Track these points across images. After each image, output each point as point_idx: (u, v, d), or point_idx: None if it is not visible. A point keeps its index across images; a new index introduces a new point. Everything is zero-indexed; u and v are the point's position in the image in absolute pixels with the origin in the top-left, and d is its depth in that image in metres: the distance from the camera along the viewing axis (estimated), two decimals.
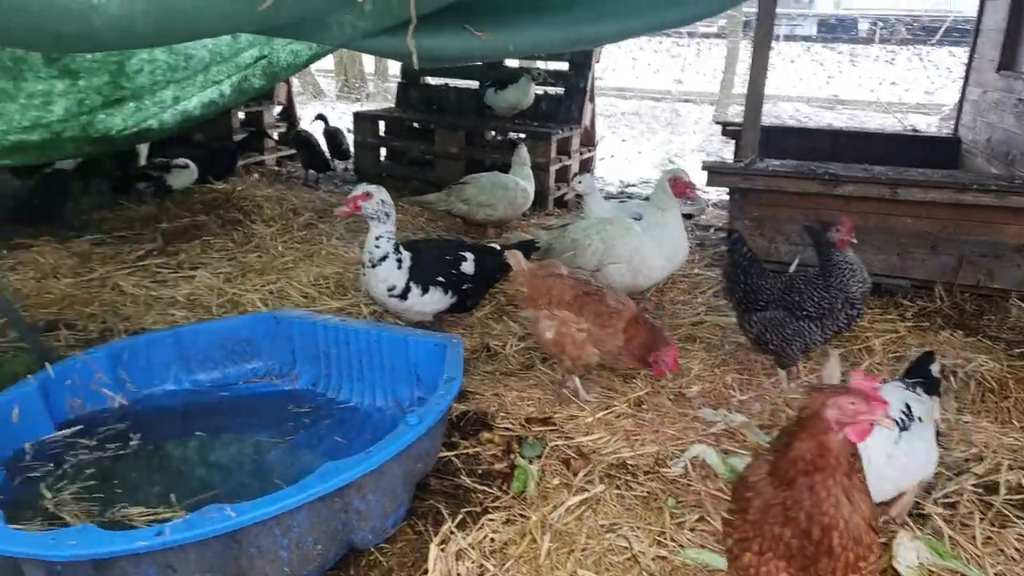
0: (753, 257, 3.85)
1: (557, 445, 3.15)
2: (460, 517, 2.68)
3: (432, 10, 2.20)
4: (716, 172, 5.18)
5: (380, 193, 3.78)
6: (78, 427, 3.05)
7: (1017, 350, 4.00)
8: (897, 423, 2.45)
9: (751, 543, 1.89)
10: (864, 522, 1.81)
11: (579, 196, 5.50)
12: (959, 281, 4.77)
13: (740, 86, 19.12)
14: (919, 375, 2.87)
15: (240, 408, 3.41)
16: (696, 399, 3.57)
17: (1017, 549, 2.52)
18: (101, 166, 6.69)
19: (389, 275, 3.83)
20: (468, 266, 4.10)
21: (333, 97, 17.07)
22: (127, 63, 4.35)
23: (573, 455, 3.07)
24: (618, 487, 2.87)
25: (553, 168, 7.42)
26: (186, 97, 5.18)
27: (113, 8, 1.80)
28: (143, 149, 6.84)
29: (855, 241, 3.65)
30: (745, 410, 3.48)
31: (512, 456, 3.08)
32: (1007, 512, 2.72)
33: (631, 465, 3.04)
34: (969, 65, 6.79)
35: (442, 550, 2.49)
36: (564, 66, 8.27)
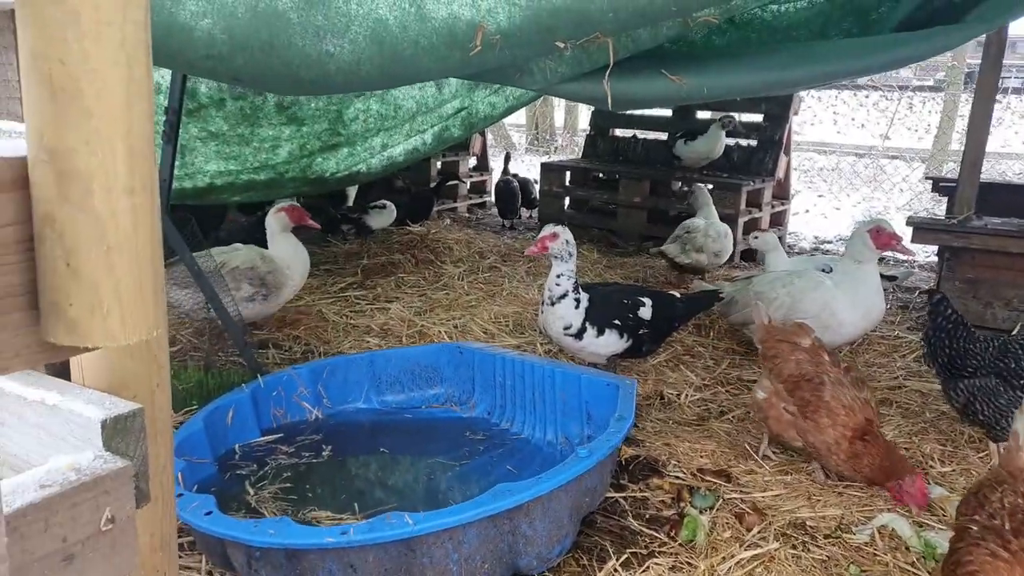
0: (959, 319, 3.53)
1: (731, 498, 3.04)
2: (625, 557, 2.66)
3: (628, 55, 2.29)
4: (924, 228, 4.84)
5: (565, 234, 3.90)
6: (279, 434, 3.37)
7: None
8: None
9: None
10: None
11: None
12: None
13: (957, 143, 17.65)
14: None
15: (421, 430, 3.61)
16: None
17: None
18: (317, 206, 7.40)
19: (566, 313, 3.91)
20: (646, 311, 4.09)
21: (523, 150, 17.76)
22: (345, 112, 4.84)
23: (748, 510, 2.94)
24: (794, 547, 2.72)
25: (742, 220, 7.26)
26: (392, 144, 5.66)
27: (345, 55, 2.05)
28: (351, 192, 7.48)
29: None
30: (947, 483, 3.18)
31: (682, 504, 3.00)
32: None
33: (810, 527, 2.87)
34: None
35: None
36: (759, 118, 8.14)
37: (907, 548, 2.71)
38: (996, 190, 6.77)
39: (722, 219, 6.61)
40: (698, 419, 3.86)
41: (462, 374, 3.78)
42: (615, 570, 2.57)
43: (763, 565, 2.63)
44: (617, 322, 4.00)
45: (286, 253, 4.53)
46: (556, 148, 17.59)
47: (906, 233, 4.89)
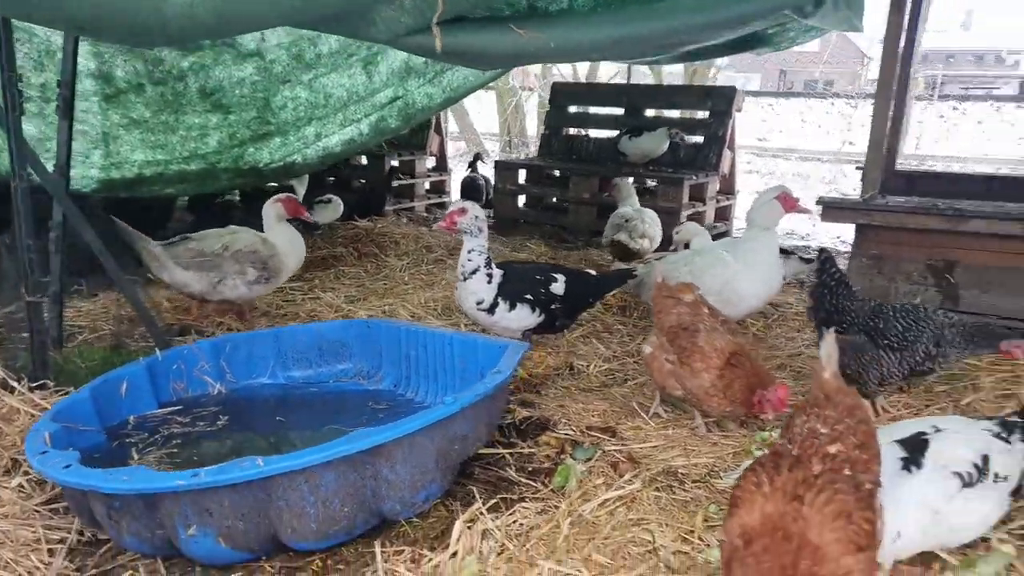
0: (842, 278, 3.71)
1: (611, 450, 3.16)
2: (494, 502, 2.77)
3: (471, 6, 2.39)
4: (832, 207, 4.99)
5: (474, 209, 4.02)
6: (178, 407, 3.45)
7: None
8: (961, 477, 2.26)
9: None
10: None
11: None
12: None
13: (912, 146, 18.02)
14: None
15: (326, 402, 3.70)
16: (770, 421, 3.43)
17: None
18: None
19: (478, 288, 4.02)
20: (558, 287, 4.22)
21: (496, 156, 17.93)
22: (272, 99, 4.97)
23: (622, 459, 3.06)
24: (659, 490, 2.84)
25: (684, 213, 7.41)
26: (327, 134, 5.78)
27: None
28: (300, 187, 7.57)
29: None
30: None
31: (563, 457, 3.12)
32: None
33: (681, 473, 2.99)
34: None
35: (468, 527, 2.58)
36: (704, 114, 8.33)
37: None
38: (920, 178, 6.98)
39: (665, 212, 6.81)
40: (601, 385, 3.98)
41: (370, 348, 3.88)
42: (480, 513, 2.67)
43: (625, 504, 2.74)
44: (529, 297, 4.12)
45: (283, 240, 4.71)
46: (527, 155, 17.75)
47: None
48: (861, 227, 4.92)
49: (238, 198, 8.04)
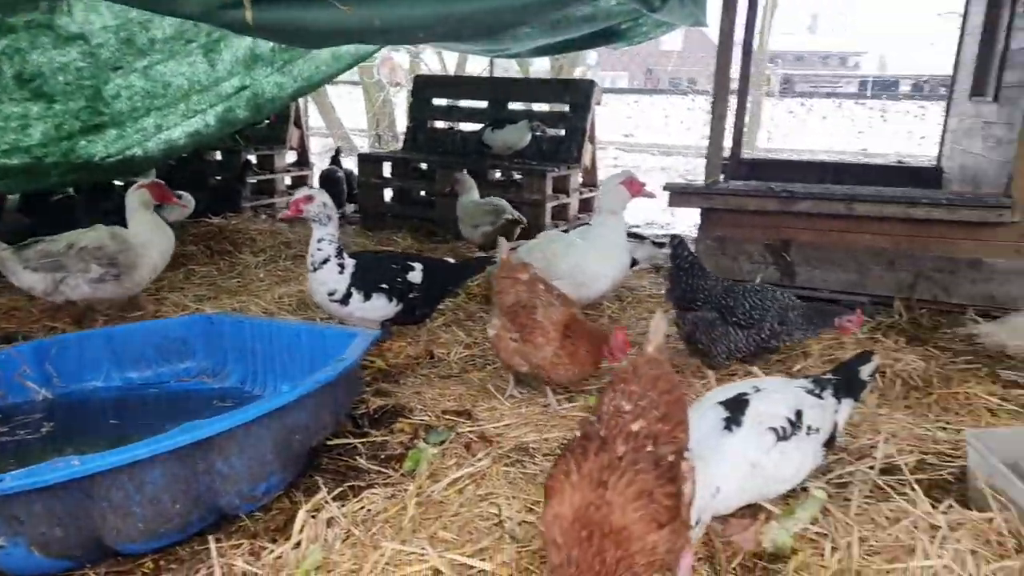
0: (695, 260, 3.90)
1: (464, 432, 3.16)
2: (341, 490, 2.71)
3: None
4: (677, 192, 5.22)
5: (322, 196, 3.92)
6: None
7: (962, 359, 3.89)
8: (776, 432, 2.40)
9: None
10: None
11: None
12: (917, 296, 4.68)
13: (765, 140, 19.22)
14: (846, 374, 2.78)
15: (167, 404, 3.51)
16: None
17: (887, 517, 2.45)
18: (111, 198, 7.00)
19: (329, 279, 3.92)
20: (416, 275, 4.17)
21: (367, 151, 17.61)
22: (103, 88, 4.64)
23: (475, 439, 3.08)
24: (509, 465, 2.87)
25: (549, 205, 7.54)
26: (169, 126, 5.47)
27: None
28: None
29: (858, 334, 3.72)
30: None
31: (416, 442, 3.09)
32: (888, 488, 2.64)
33: (533, 448, 3.03)
34: (950, 98, 6.75)
35: (312, 516, 2.51)
36: (565, 108, 8.51)
37: None
38: (763, 165, 7.44)
39: (531, 204, 6.95)
40: (461, 371, 3.99)
41: (214, 345, 3.71)
42: (325, 502, 2.61)
43: (474, 482, 2.76)
44: (385, 286, 4.05)
45: (145, 231, 4.46)
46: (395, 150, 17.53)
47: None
48: (706, 211, 5.17)
49: (73, 193, 7.46)
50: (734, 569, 2.28)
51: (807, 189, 4.93)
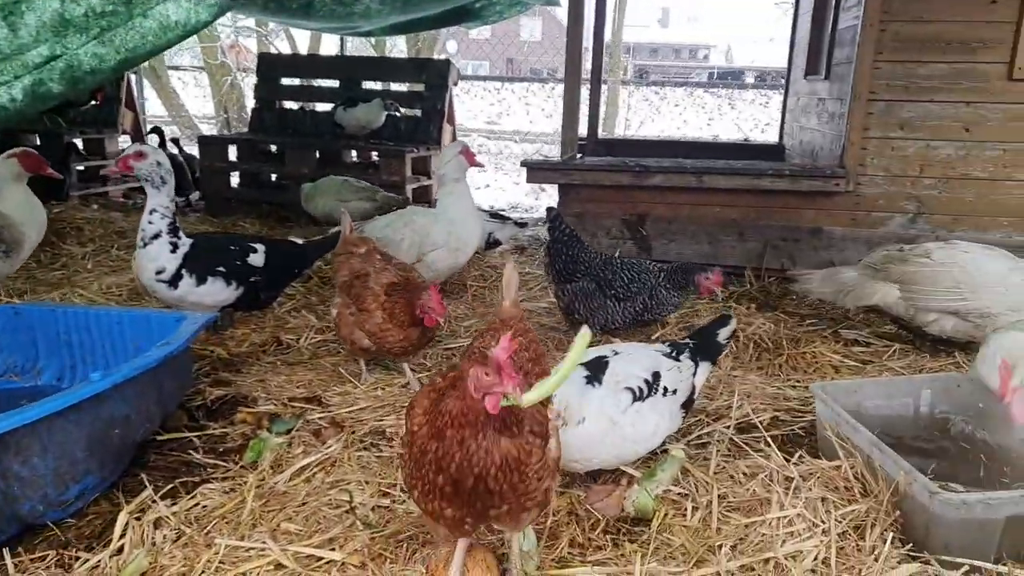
0: (572, 233, 3.88)
1: (313, 419, 2.94)
2: (171, 487, 2.43)
3: None
4: (534, 168, 5.17)
5: (156, 154, 3.54)
6: None
7: (808, 322, 4.06)
8: (633, 392, 2.36)
9: (416, 483, 1.74)
10: (526, 458, 1.68)
11: None
12: (766, 265, 4.87)
13: (623, 127, 19.82)
14: (703, 338, 2.79)
15: None
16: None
17: (745, 473, 2.49)
18: None
19: (160, 255, 3.54)
20: (257, 258, 3.86)
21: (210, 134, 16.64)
22: None
23: (325, 425, 2.87)
24: (361, 450, 2.68)
25: (410, 187, 7.34)
26: None
27: None
28: None
29: (718, 293, 3.68)
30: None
31: (259, 432, 2.84)
32: (744, 445, 2.68)
33: (389, 431, 2.86)
34: (788, 78, 7.12)
35: (136, 519, 2.23)
36: (421, 87, 8.31)
37: None
38: (620, 144, 7.57)
39: (391, 186, 6.74)
40: (312, 357, 3.73)
41: (22, 338, 3.27)
42: (152, 501, 2.33)
43: (324, 470, 2.56)
44: (222, 269, 3.72)
45: (18, 206, 4.06)
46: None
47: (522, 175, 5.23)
48: (564, 187, 5.15)
49: None
50: (599, 535, 2.21)
51: (659, 163, 5.00)
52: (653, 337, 3.85)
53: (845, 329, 3.98)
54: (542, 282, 4.83)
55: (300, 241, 4.29)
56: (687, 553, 2.10)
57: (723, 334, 2.79)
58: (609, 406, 2.27)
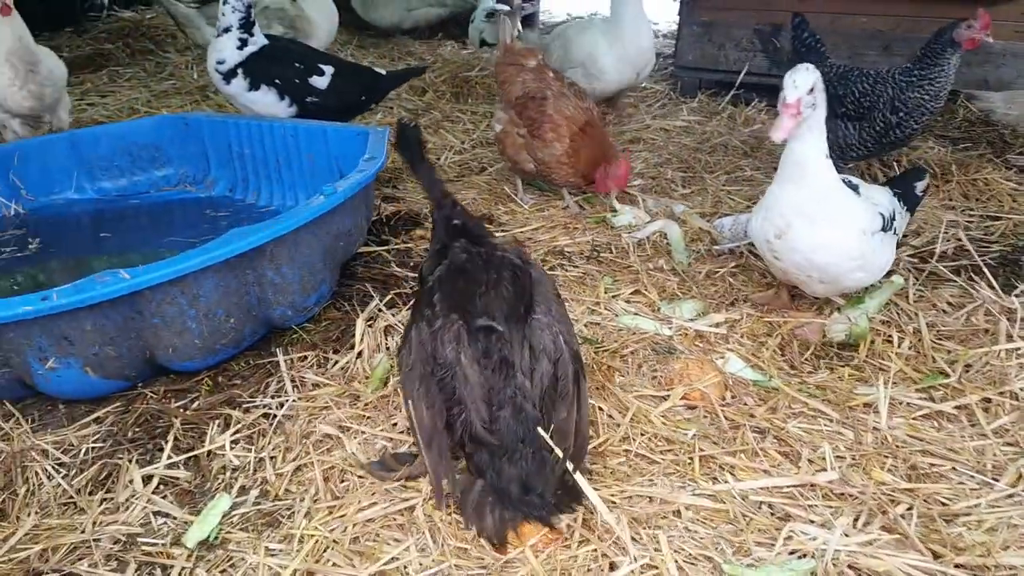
0: (817, 40, 3.46)
1: (499, 234, 3.01)
2: (389, 297, 2.56)
3: None
4: None
5: None
6: None
7: (962, 145, 3.91)
8: (883, 218, 2.27)
9: None
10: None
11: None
12: None
13: None
14: (904, 188, 2.59)
15: (151, 215, 3.18)
16: (639, 193, 3.43)
17: (949, 303, 2.50)
18: None
19: (224, 48, 3.47)
20: (321, 81, 3.65)
21: None
22: None
23: (512, 241, 2.94)
24: (552, 268, 2.77)
25: None
26: None
27: None
28: None
29: (989, 40, 2.98)
30: (688, 201, 3.37)
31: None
32: (939, 273, 2.69)
33: (568, 252, 2.93)
34: None
35: (370, 325, 2.37)
36: None
37: (668, 254, 2.89)
38: None
39: None
40: (459, 176, 3.76)
41: (192, 150, 3.33)
42: (379, 310, 2.46)
43: None
44: (278, 82, 3.55)
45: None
46: None
47: None
48: None
49: None
50: (807, 359, 2.29)
51: None
52: None
53: (1014, 156, 3.73)
54: None
55: (382, 72, 4.02)
56: (907, 378, 2.16)
57: (919, 187, 2.66)
58: (864, 218, 2.22)
